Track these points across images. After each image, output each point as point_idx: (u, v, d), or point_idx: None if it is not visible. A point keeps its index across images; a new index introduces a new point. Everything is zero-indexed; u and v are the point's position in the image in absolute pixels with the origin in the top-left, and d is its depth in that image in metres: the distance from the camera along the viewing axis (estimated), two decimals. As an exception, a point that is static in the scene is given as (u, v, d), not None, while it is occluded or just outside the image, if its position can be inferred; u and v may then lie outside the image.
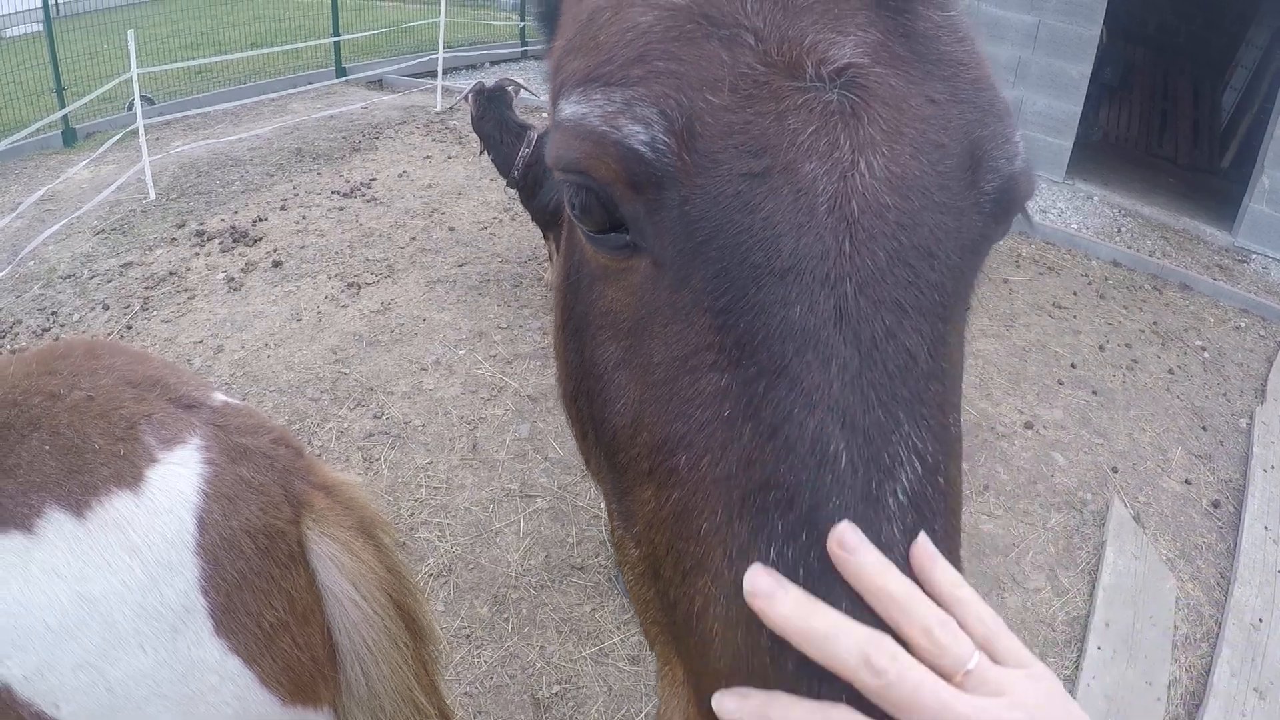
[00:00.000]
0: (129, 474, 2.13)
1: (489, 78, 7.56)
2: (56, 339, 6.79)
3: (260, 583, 2.17)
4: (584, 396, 1.14)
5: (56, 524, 2.06)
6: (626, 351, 1.03)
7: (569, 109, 1.00)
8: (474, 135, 8.06)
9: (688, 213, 0.93)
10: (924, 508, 0.85)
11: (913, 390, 0.87)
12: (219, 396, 2.50)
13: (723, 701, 0.82)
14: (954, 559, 0.87)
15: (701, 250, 0.93)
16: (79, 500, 2.08)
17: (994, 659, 0.83)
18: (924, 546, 0.83)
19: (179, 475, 2.17)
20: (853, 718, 0.75)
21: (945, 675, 0.78)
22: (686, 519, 0.91)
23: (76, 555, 2.04)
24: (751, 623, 0.81)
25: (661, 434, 0.95)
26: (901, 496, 0.83)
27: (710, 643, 0.86)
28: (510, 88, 7.91)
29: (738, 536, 0.85)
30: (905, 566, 0.81)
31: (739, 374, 0.89)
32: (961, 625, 0.82)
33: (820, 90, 0.93)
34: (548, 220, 7.34)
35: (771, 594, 0.79)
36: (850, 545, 0.79)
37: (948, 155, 0.96)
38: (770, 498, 0.84)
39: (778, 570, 0.81)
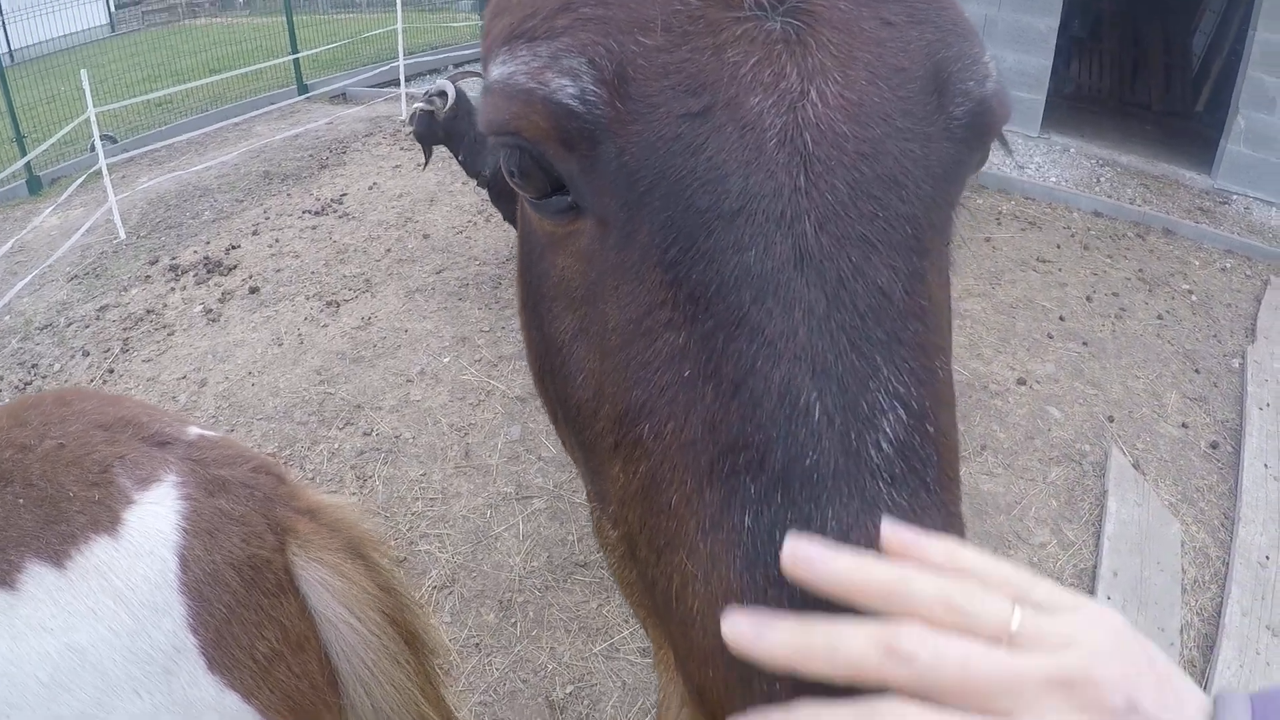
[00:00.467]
0: (106, 519, 2.10)
1: (447, 83, 7.45)
2: (40, 392, 6.82)
3: (250, 615, 2.14)
4: (549, 375, 1.09)
5: (38, 577, 2.04)
6: (582, 321, 0.99)
7: (496, 70, 0.96)
8: (439, 147, 7.93)
9: (626, 164, 0.89)
10: (912, 458, 0.79)
11: (889, 331, 0.82)
12: (194, 430, 2.46)
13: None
14: (950, 514, 0.82)
15: (645, 202, 0.88)
16: (58, 551, 2.05)
17: (1038, 609, 0.72)
18: (894, 535, 0.74)
19: (156, 514, 2.13)
20: (905, 708, 0.65)
21: (990, 643, 0.68)
22: (656, 492, 0.86)
23: (61, 606, 2.02)
24: (737, 597, 0.76)
25: (623, 404, 0.90)
26: (886, 447, 0.78)
27: (692, 622, 0.81)
28: (458, 82, 7.70)
29: (709, 506, 0.80)
30: (893, 529, 0.74)
31: (696, 330, 0.84)
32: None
33: (762, 19, 0.88)
34: (514, 213, 7.24)
35: (758, 634, 0.71)
36: (808, 559, 0.71)
37: (909, 79, 0.91)
38: (740, 460, 0.79)
39: (754, 536, 0.76)
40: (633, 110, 0.88)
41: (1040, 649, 0.68)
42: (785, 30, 0.88)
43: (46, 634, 2.00)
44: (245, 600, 2.14)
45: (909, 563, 0.72)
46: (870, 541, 0.74)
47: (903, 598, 0.69)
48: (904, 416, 0.79)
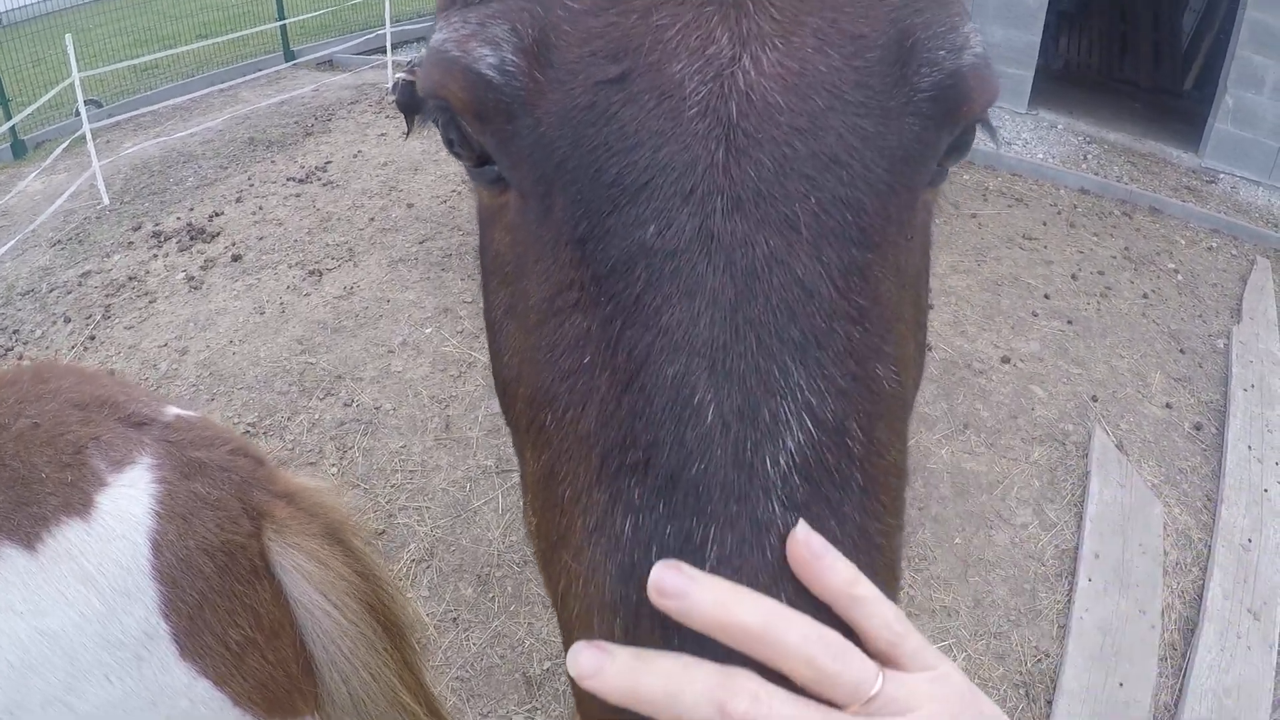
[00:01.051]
0: (78, 501, 2.07)
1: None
2: (20, 358, 6.77)
3: (223, 601, 2.12)
4: (490, 350, 1.03)
5: (9, 559, 2.02)
6: (511, 297, 0.93)
7: (435, 36, 0.91)
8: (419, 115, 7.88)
9: (543, 135, 0.82)
10: (821, 479, 0.71)
11: (808, 331, 0.74)
12: (172, 410, 2.43)
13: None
14: (863, 543, 0.73)
15: (559, 175, 0.82)
16: (29, 533, 2.03)
17: (900, 666, 0.70)
18: (805, 540, 0.68)
19: (129, 498, 2.11)
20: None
21: (842, 706, 0.66)
22: (553, 484, 0.81)
23: (31, 590, 2.00)
24: (609, 611, 0.71)
25: (533, 387, 0.85)
26: (784, 463, 0.70)
27: (570, 629, 0.77)
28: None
29: (596, 506, 0.75)
30: (784, 553, 0.68)
31: (598, 313, 0.78)
32: (862, 634, 0.70)
33: None
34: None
35: (596, 670, 0.67)
36: (672, 590, 0.66)
37: (868, 47, 0.81)
38: (627, 460, 0.73)
39: (632, 547, 0.71)
40: (552, 79, 0.82)
41: (883, 715, 0.67)
42: None
43: (17, 617, 1.98)
44: (219, 587, 2.12)
45: (805, 577, 0.68)
46: (755, 568, 0.68)
47: (768, 646, 0.65)
48: (814, 431, 0.72)
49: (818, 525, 0.70)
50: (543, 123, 0.82)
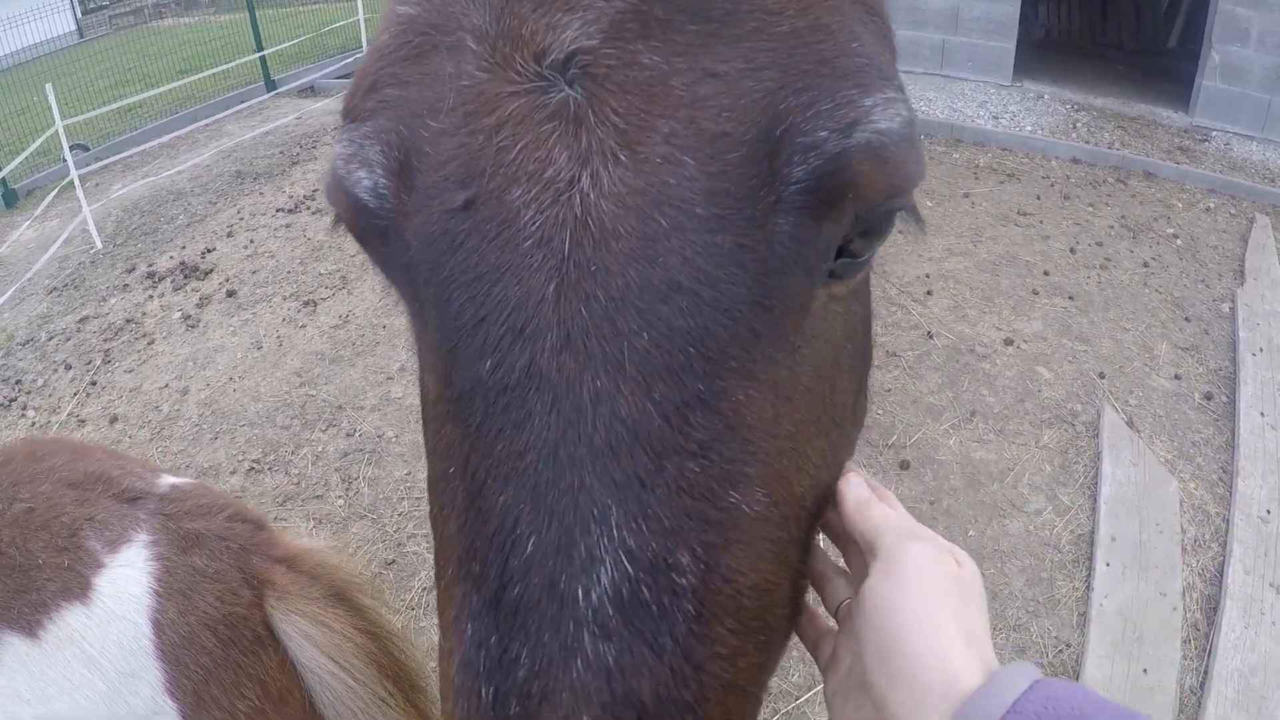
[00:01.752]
0: (76, 585, 2.08)
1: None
2: (24, 409, 6.78)
3: (228, 674, 2.12)
4: None
5: (11, 648, 2.03)
6: (420, 385, 0.97)
7: (335, 148, 0.91)
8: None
9: (410, 258, 0.84)
10: (636, 611, 0.71)
11: (631, 472, 0.72)
12: (166, 480, 2.43)
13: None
14: (695, 671, 0.73)
15: (424, 297, 0.83)
16: (30, 620, 2.05)
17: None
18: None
19: (127, 578, 2.11)
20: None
21: None
22: (439, 564, 0.85)
23: (35, 677, 2.01)
24: (451, 692, 0.76)
25: (431, 470, 0.88)
26: (596, 597, 0.71)
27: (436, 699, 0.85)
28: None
29: (455, 599, 0.78)
30: (589, 677, 0.71)
31: (459, 429, 0.80)
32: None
33: (539, 91, 0.78)
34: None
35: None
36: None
37: (730, 146, 0.76)
38: (471, 569, 0.76)
39: (470, 645, 0.75)
40: (415, 203, 0.82)
41: None
42: (561, 104, 0.77)
43: (23, 704, 2.00)
44: (223, 660, 2.11)
45: None
46: (561, 688, 0.70)
47: None
48: (629, 568, 0.71)
49: (629, 655, 0.71)
50: (410, 246, 0.83)
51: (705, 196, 0.75)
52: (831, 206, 0.79)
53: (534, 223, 0.75)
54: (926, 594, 0.84)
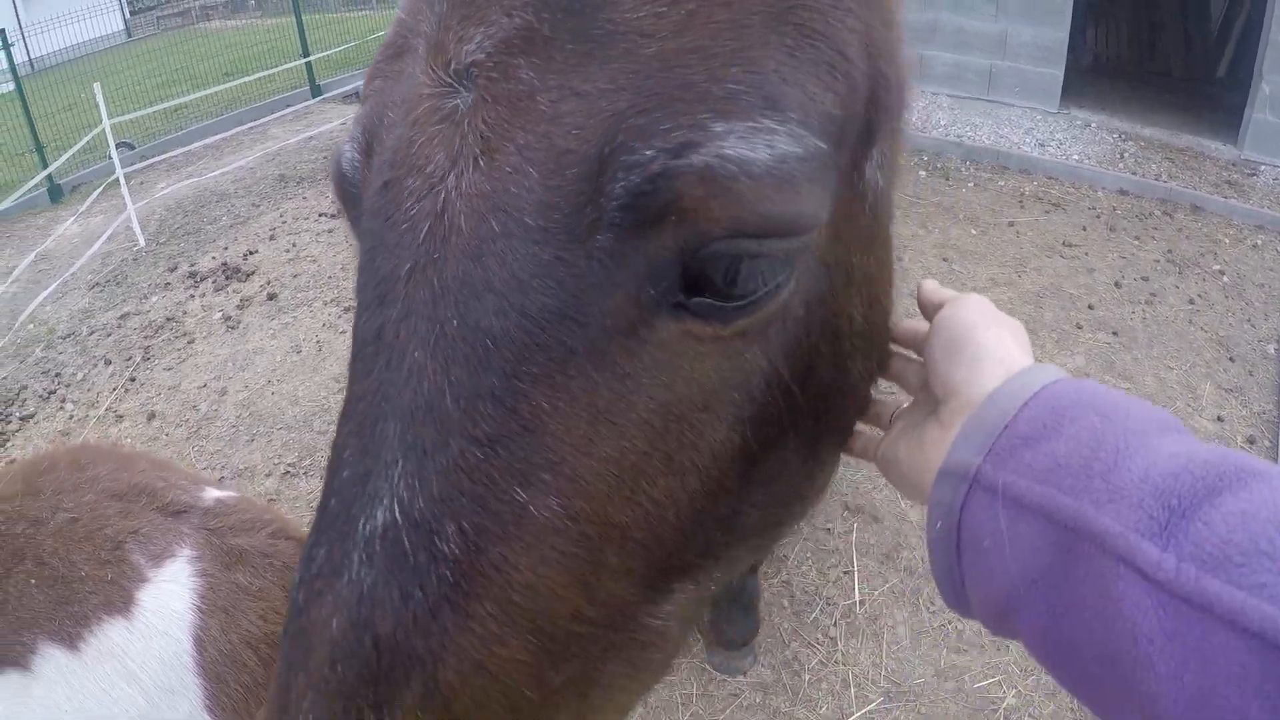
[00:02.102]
0: (119, 599, 2.07)
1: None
2: (64, 401, 6.82)
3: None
4: None
5: (51, 659, 2.02)
6: None
7: None
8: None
9: (364, 226, 0.95)
10: (397, 557, 0.79)
11: (421, 439, 0.81)
12: (211, 494, 2.42)
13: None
14: (434, 625, 0.80)
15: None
16: (71, 633, 2.04)
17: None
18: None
19: (171, 593, 2.10)
20: None
21: None
22: None
23: (75, 689, 2.00)
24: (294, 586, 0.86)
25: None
26: (368, 530, 0.80)
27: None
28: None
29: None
30: (358, 587, 0.80)
31: (349, 369, 0.92)
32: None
33: (443, 95, 0.87)
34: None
35: None
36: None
37: (570, 163, 0.80)
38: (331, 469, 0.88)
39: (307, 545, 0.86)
40: (368, 180, 0.94)
41: None
42: (452, 109, 0.86)
43: (62, 716, 1.99)
44: (264, 679, 2.10)
45: None
46: (337, 590, 0.80)
47: None
48: (398, 517, 0.79)
49: (380, 587, 0.79)
50: (364, 215, 0.94)
51: (536, 208, 0.81)
52: (650, 227, 0.80)
53: (411, 209, 0.85)
54: (989, 311, 1.10)
